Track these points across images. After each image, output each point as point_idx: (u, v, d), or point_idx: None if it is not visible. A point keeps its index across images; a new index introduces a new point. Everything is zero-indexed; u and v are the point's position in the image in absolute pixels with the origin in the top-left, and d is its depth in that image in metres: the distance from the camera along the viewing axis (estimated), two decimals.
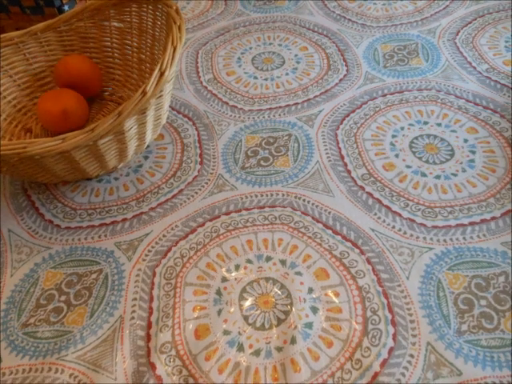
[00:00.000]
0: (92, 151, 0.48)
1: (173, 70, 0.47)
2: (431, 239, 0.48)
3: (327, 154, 0.59)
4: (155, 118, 0.54)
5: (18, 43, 0.61)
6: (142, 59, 0.64)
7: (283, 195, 0.54)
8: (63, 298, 0.47)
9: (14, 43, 0.60)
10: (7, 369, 0.42)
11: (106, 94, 0.67)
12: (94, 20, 0.64)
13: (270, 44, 0.79)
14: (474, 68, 0.69)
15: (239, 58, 0.76)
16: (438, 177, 0.55)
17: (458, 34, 0.76)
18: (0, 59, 0.59)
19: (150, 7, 0.60)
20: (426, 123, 0.62)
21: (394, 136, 0.60)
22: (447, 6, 0.83)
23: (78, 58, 0.61)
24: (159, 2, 0.57)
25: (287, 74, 0.72)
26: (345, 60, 0.74)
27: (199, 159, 0.60)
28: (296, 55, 0.76)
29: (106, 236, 0.52)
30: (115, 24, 0.64)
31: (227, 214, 0.53)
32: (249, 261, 0.48)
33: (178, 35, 0.48)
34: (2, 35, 0.59)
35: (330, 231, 0.50)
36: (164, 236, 0.51)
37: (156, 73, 0.45)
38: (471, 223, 0.50)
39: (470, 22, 0.78)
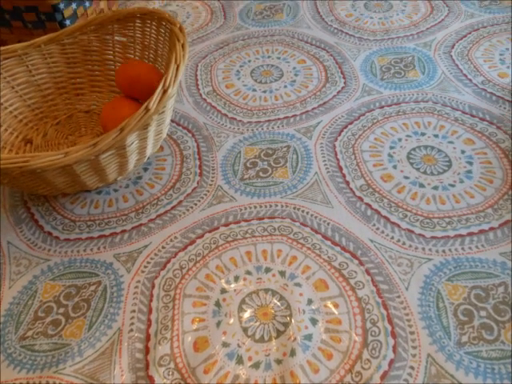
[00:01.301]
0: (93, 165, 0.48)
1: (175, 87, 0.47)
2: (430, 250, 0.49)
3: (326, 165, 0.59)
4: (156, 132, 0.54)
5: (22, 55, 0.61)
6: None
7: (282, 206, 0.55)
8: (61, 310, 0.46)
9: (17, 55, 0.61)
10: (4, 383, 0.41)
11: None
12: (98, 34, 0.65)
13: (269, 57, 0.80)
14: (470, 80, 0.70)
15: (238, 71, 0.77)
16: (435, 187, 0.55)
17: (453, 47, 0.77)
18: (2, 70, 0.60)
19: (154, 23, 0.61)
20: (423, 134, 0.62)
21: (391, 147, 0.61)
22: (442, 20, 0.84)
23: (149, 68, 0.59)
24: (163, 19, 0.58)
25: (285, 86, 0.73)
26: (342, 72, 0.75)
27: (198, 171, 0.60)
28: (294, 68, 0.77)
29: (105, 248, 0.52)
30: (118, 38, 0.65)
31: (226, 225, 0.53)
32: (248, 272, 0.48)
33: (181, 53, 0.49)
34: (6, 47, 0.60)
35: (328, 242, 0.50)
36: (163, 247, 0.51)
37: (159, 90, 0.46)
38: (470, 234, 0.50)
39: (465, 36, 0.80)
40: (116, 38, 0.65)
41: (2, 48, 0.59)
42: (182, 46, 0.50)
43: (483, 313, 0.43)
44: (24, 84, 0.63)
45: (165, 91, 0.46)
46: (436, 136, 0.62)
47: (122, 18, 0.63)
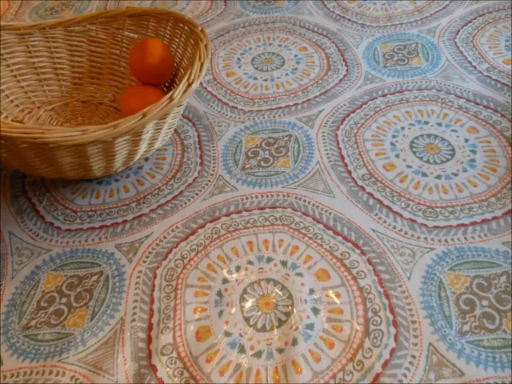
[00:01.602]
0: (106, 149, 0.47)
1: (198, 82, 0.48)
2: (432, 239, 0.48)
3: (327, 154, 0.59)
4: (169, 125, 0.54)
5: (24, 34, 0.60)
6: None
7: (284, 196, 0.54)
8: (64, 300, 0.47)
9: (20, 33, 0.59)
10: (8, 372, 0.42)
11: (106, 99, 0.67)
12: (107, 26, 0.64)
13: (270, 44, 0.79)
14: (475, 67, 0.69)
15: (239, 59, 0.76)
16: (438, 177, 0.55)
17: (457, 34, 0.76)
18: (1, 45, 0.58)
19: (170, 24, 0.61)
20: (426, 123, 0.62)
21: (394, 136, 0.60)
22: (447, 5, 0.83)
23: (161, 44, 0.58)
24: (181, 20, 0.58)
25: (287, 74, 0.72)
26: (345, 60, 0.74)
27: (199, 160, 0.60)
28: (296, 55, 0.76)
29: (106, 238, 0.52)
30: (129, 34, 0.64)
31: (228, 215, 0.53)
32: (250, 262, 0.48)
33: (204, 52, 0.51)
34: (9, 23, 0.58)
35: (330, 232, 0.50)
36: (164, 237, 0.51)
37: (184, 82, 0.47)
38: (472, 223, 0.49)
39: (470, 22, 0.78)
40: (125, 33, 0.64)
41: (4, 23, 0.58)
42: (206, 46, 0.52)
43: (485, 302, 0.43)
44: (21, 64, 0.61)
45: (189, 84, 0.47)
46: (439, 124, 0.61)
47: (135, 15, 0.62)
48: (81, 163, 0.49)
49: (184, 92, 0.46)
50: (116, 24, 0.64)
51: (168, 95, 0.46)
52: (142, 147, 0.52)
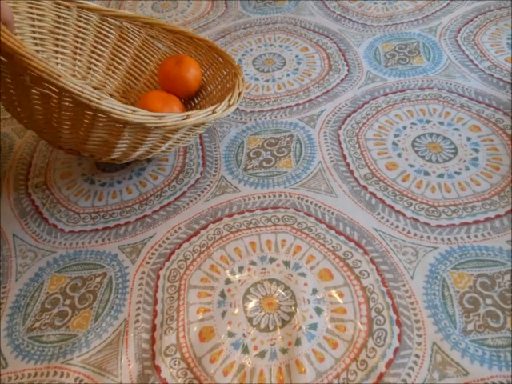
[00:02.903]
0: (140, 135, 0.47)
1: (235, 106, 0.54)
2: (435, 238, 0.48)
3: (329, 154, 0.59)
4: (188, 138, 0.55)
5: (60, 4, 0.60)
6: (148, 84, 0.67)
7: (286, 196, 0.54)
8: (68, 301, 0.47)
9: (56, 2, 0.59)
10: (13, 373, 0.42)
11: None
12: (143, 31, 0.66)
13: (271, 45, 0.79)
14: (476, 66, 0.69)
15: (240, 60, 0.76)
16: (441, 175, 0.55)
17: (459, 32, 0.76)
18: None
19: (202, 51, 0.64)
20: (428, 122, 0.62)
21: (396, 135, 0.60)
22: (448, 3, 0.83)
23: (197, 65, 0.63)
24: (218, 52, 0.62)
25: (288, 74, 0.72)
26: (346, 60, 0.74)
27: (201, 161, 0.60)
28: (297, 56, 0.76)
29: (109, 239, 0.52)
30: (160, 45, 0.67)
31: (230, 215, 0.53)
32: (252, 262, 0.48)
33: (243, 85, 0.57)
34: None
35: (333, 232, 0.50)
36: (167, 239, 0.51)
37: (225, 102, 0.52)
38: (475, 222, 0.49)
39: (472, 20, 0.78)
40: (157, 43, 0.66)
41: None
42: (242, 79, 0.57)
43: (489, 301, 0.43)
44: (44, 30, 0.60)
45: (229, 105, 0.52)
46: (441, 123, 0.61)
47: (173, 31, 0.65)
48: (106, 141, 0.48)
49: (224, 110, 0.51)
50: (151, 32, 0.66)
51: (210, 108, 0.50)
52: (162, 148, 0.53)
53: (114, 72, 0.67)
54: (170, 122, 0.46)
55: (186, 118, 0.47)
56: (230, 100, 0.53)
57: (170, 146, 0.53)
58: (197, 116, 0.48)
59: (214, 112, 0.50)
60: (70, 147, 0.53)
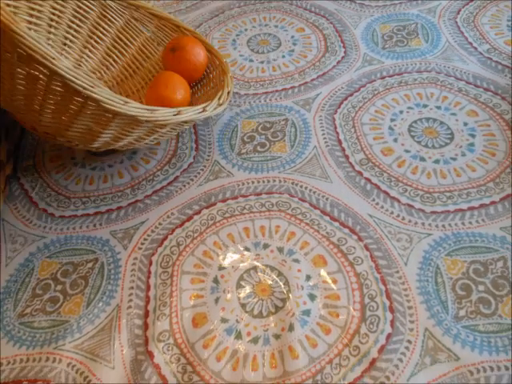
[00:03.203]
0: (128, 127, 0.46)
1: (225, 106, 0.54)
2: (430, 225, 0.48)
3: (325, 138, 0.58)
4: (175, 131, 0.54)
5: None
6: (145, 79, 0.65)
7: (280, 181, 0.54)
8: (59, 287, 0.46)
9: None
10: (4, 359, 0.42)
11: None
12: (127, 12, 0.63)
13: (266, 25, 0.76)
14: (475, 49, 0.68)
15: (234, 40, 0.74)
16: (437, 161, 0.54)
17: (458, 13, 0.74)
18: None
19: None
20: (425, 106, 0.61)
21: (392, 120, 0.59)
22: None
23: (199, 45, 0.60)
24: (216, 59, 0.61)
25: (283, 56, 0.71)
26: (342, 41, 0.72)
27: (194, 145, 0.59)
28: (292, 37, 0.74)
29: (101, 225, 0.51)
30: (144, 29, 0.65)
31: (224, 201, 0.52)
32: (246, 248, 0.48)
33: (232, 84, 0.57)
34: None
35: (327, 217, 0.50)
36: (160, 224, 0.51)
37: (215, 100, 0.52)
38: (470, 208, 0.49)
39: (472, 1, 0.76)
40: (141, 27, 0.65)
41: None
42: (231, 77, 0.57)
43: (481, 287, 0.43)
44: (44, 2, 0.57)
45: (219, 104, 0.53)
46: (438, 108, 0.60)
47: (159, 17, 0.63)
48: (91, 130, 0.46)
49: (215, 109, 0.51)
50: (136, 14, 0.63)
51: (201, 106, 0.49)
52: (149, 138, 0.51)
53: (90, 51, 0.64)
54: (162, 117, 0.44)
55: (177, 114, 0.46)
56: (219, 99, 0.52)
57: (154, 138, 0.52)
58: (187, 113, 0.47)
59: (204, 110, 0.49)
60: (46, 131, 0.50)
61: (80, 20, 0.62)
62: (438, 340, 0.40)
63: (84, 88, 0.39)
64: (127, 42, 0.65)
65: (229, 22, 0.78)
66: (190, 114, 0.48)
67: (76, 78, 0.38)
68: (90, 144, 0.49)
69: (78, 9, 0.62)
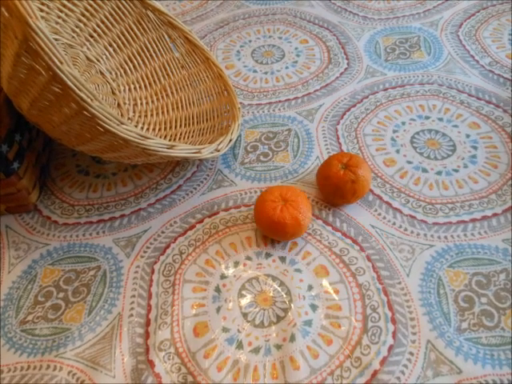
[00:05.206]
0: (122, 146, 0.45)
1: (221, 153, 0.53)
2: (432, 236, 0.48)
3: (327, 149, 0.58)
4: (165, 160, 0.54)
5: None
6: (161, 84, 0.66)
7: None
8: (61, 295, 0.46)
9: None
10: (5, 366, 0.42)
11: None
12: (160, 28, 0.64)
13: (270, 37, 0.77)
14: (477, 62, 0.68)
15: (238, 51, 0.75)
16: (439, 173, 0.54)
17: (460, 27, 0.75)
18: None
19: (211, 77, 0.64)
20: (427, 118, 0.61)
21: (394, 131, 0.60)
22: None
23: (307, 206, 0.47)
24: (231, 101, 0.61)
25: (287, 67, 0.71)
26: (346, 53, 0.73)
27: None
28: (296, 48, 0.75)
29: (104, 232, 0.52)
30: (173, 48, 0.65)
31: (226, 210, 0.52)
32: (248, 257, 0.48)
33: (237, 132, 0.57)
34: None
35: (329, 228, 0.50)
36: (163, 232, 0.51)
37: (214, 146, 0.50)
38: (472, 220, 0.49)
39: (473, 15, 0.77)
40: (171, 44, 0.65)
41: None
42: (239, 125, 0.58)
43: (484, 299, 0.43)
44: None
45: (230, 140, 0.54)
46: (440, 119, 0.61)
47: (194, 44, 0.63)
48: (80, 135, 0.45)
49: (211, 153, 0.50)
50: (171, 33, 0.64)
51: (197, 147, 0.48)
52: (137, 160, 0.50)
53: (114, 50, 0.65)
54: (153, 147, 0.43)
55: (170, 148, 0.45)
56: (219, 144, 0.51)
57: (142, 160, 0.51)
58: (180, 150, 0.46)
59: (199, 152, 0.48)
60: (35, 121, 0.49)
61: (115, 19, 0.63)
62: (441, 352, 0.40)
63: (82, 99, 0.38)
64: (153, 54, 0.65)
65: (233, 33, 0.79)
66: (183, 151, 0.46)
67: (77, 88, 0.37)
68: (74, 147, 0.49)
69: (116, 9, 0.62)
